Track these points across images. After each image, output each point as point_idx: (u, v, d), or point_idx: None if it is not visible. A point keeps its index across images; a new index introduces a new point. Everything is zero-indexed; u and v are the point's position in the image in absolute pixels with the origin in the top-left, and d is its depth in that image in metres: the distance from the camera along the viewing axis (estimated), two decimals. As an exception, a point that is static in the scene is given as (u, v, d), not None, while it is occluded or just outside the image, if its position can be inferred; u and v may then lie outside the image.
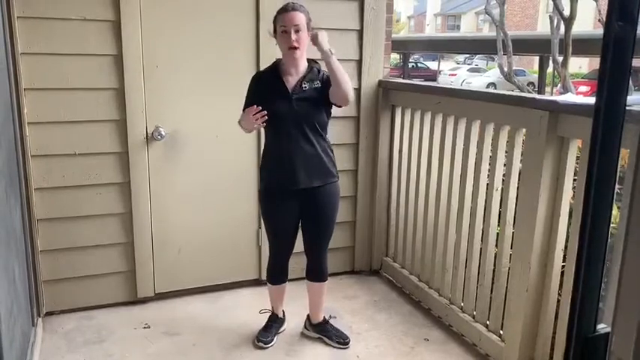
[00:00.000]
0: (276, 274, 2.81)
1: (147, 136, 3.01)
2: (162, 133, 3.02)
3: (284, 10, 2.46)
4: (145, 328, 2.96)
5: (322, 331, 2.85)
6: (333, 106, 2.56)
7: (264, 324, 2.87)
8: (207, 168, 3.19)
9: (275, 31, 2.50)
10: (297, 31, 2.42)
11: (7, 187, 2.24)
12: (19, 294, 2.37)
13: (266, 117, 2.37)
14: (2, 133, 2.22)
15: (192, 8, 3.00)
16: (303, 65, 2.53)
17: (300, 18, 2.43)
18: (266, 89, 2.52)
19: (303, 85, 2.51)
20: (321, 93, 2.52)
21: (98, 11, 2.81)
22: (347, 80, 2.43)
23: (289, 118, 2.48)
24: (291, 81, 2.52)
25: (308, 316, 2.90)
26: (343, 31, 3.32)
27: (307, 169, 2.54)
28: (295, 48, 2.43)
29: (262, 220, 2.77)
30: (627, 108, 0.80)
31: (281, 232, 2.69)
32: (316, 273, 2.78)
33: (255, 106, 2.38)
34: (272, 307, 2.90)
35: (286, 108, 2.48)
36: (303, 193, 2.58)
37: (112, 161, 2.99)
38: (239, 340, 2.84)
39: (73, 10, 2.76)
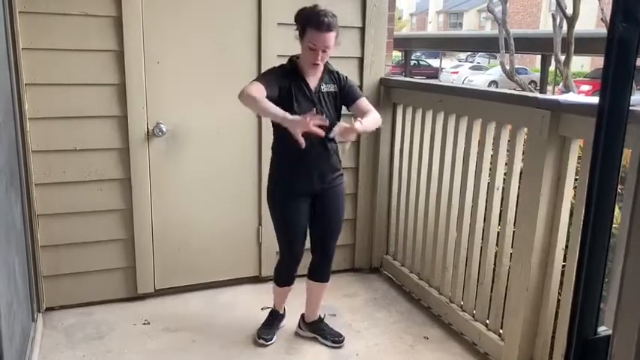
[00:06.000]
0: (288, 277, 2.75)
1: (148, 132, 3.00)
2: (163, 129, 3.02)
3: (318, 27, 2.33)
4: (144, 324, 2.96)
5: (317, 330, 2.84)
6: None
7: (264, 320, 2.87)
8: (208, 164, 3.19)
9: (302, 36, 2.39)
10: (324, 51, 2.38)
11: (7, 183, 2.23)
12: (19, 289, 2.37)
13: (322, 123, 2.24)
14: (3, 129, 2.22)
15: (194, 4, 3.00)
16: (321, 68, 2.50)
17: (331, 38, 2.36)
18: (290, 87, 2.43)
19: (322, 88, 2.50)
20: (335, 98, 2.53)
21: (100, 7, 2.81)
22: (377, 123, 2.54)
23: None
24: (311, 83, 2.49)
25: (302, 315, 2.89)
26: (345, 28, 3.28)
27: (322, 171, 2.54)
28: (318, 65, 2.42)
29: (276, 224, 2.66)
30: (631, 108, 0.80)
31: (297, 234, 2.62)
32: (321, 273, 2.76)
33: (314, 111, 2.32)
34: (275, 305, 2.89)
35: (310, 111, 2.43)
36: (316, 194, 2.58)
37: (112, 157, 2.98)
38: (239, 337, 2.84)
39: (74, 5, 2.76)
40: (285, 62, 2.54)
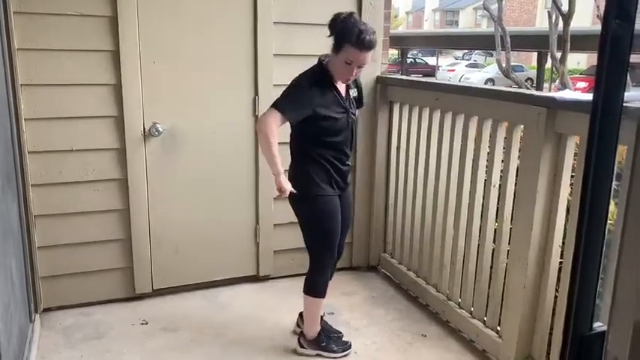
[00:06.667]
0: (327, 284, 2.66)
1: (144, 132, 3.00)
2: (160, 129, 3.01)
3: (359, 46, 2.27)
4: (142, 324, 2.96)
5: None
6: None
7: (323, 343, 2.69)
8: (205, 164, 3.19)
9: (337, 49, 2.33)
10: (359, 67, 2.36)
11: (4, 184, 2.23)
12: (16, 290, 2.37)
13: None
14: (-1, 130, 2.21)
15: (190, 4, 2.99)
16: None
17: (370, 56, 2.34)
18: (323, 99, 2.40)
19: (350, 94, 2.53)
20: (356, 100, 2.60)
21: (95, 7, 2.80)
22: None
23: (346, 129, 2.49)
24: (342, 90, 2.49)
25: (301, 313, 2.86)
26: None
27: (346, 172, 2.60)
28: (350, 80, 2.44)
29: (316, 227, 2.56)
30: (624, 104, 0.80)
31: (339, 231, 2.58)
32: (333, 269, 2.75)
33: (290, 189, 2.39)
34: (316, 326, 2.72)
35: (345, 121, 2.46)
36: (340, 193, 2.60)
37: (109, 157, 2.98)
38: (238, 336, 2.84)
39: (69, 5, 2.75)
40: (315, 65, 2.46)
